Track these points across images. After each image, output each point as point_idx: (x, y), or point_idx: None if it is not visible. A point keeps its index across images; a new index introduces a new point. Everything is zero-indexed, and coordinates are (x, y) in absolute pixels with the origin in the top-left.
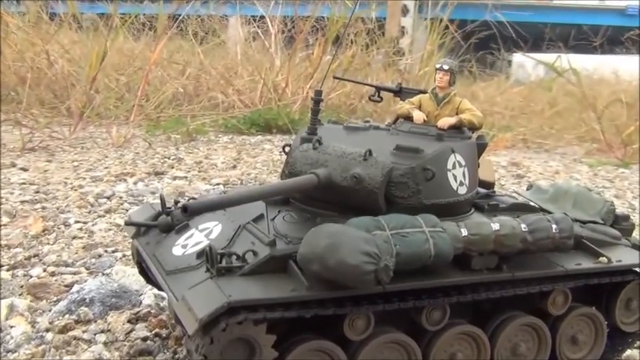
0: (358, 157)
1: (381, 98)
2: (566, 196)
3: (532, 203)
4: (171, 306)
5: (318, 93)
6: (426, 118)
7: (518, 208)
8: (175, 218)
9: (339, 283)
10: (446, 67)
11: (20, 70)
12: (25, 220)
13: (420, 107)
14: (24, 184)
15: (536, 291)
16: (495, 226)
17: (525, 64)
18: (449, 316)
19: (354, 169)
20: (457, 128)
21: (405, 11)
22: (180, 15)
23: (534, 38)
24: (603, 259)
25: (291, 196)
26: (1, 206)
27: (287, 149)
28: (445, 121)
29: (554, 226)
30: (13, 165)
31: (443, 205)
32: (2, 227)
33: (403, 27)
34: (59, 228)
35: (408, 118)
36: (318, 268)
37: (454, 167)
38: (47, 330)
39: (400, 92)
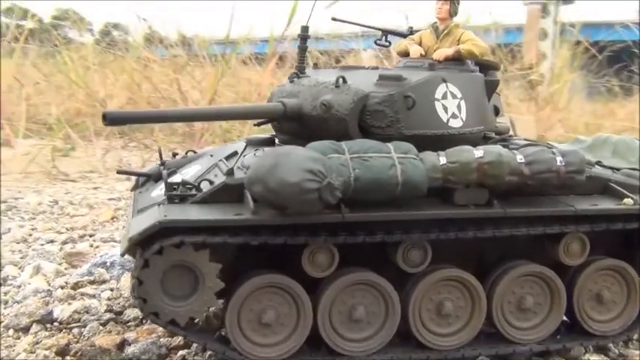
0: (330, 85)
1: (389, 42)
2: (605, 145)
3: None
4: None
5: (305, 29)
6: (423, 53)
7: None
8: (167, 167)
9: (282, 206)
10: None
11: (154, 100)
12: (99, 211)
13: (420, 43)
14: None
15: (538, 233)
16: (478, 153)
17: None
18: (431, 258)
19: (324, 96)
20: (458, 60)
21: (543, 35)
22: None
23: None
24: (628, 201)
25: (277, 137)
26: (86, 201)
27: None
28: (441, 52)
29: (558, 159)
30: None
31: (429, 137)
32: (80, 216)
33: (542, 51)
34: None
35: (407, 54)
36: (260, 190)
37: (444, 97)
38: (61, 287)
39: (411, 35)
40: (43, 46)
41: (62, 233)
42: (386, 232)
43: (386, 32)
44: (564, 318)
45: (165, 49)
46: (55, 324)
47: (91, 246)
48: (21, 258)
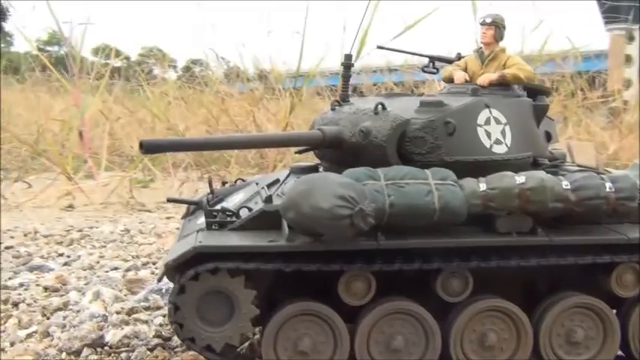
0: (369, 111)
1: (437, 70)
2: None
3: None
4: None
5: (348, 57)
6: (468, 78)
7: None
8: (215, 195)
9: (315, 232)
10: (489, 20)
11: (230, 132)
12: (165, 239)
13: (466, 69)
14: None
15: (587, 263)
16: (520, 179)
17: None
18: (473, 287)
19: (362, 123)
20: (505, 85)
21: (628, 61)
22: None
23: None
24: None
25: (320, 165)
26: (155, 230)
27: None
28: (485, 78)
29: (608, 185)
30: None
31: (471, 164)
32: (147, 244)
33: (626, 78)
34: None
35: (452, 80)
36: (294, 215)
37: (487, 123)
38: (117, 312)
39: (458, 61)
40: (128, 82)
41: (127, 261)
42: (424, 260)
43: (433, 59)
44: (619, 352)
45: (243, 82)
46: (106, 348)
47: (152, 273)
48: (85, 284)
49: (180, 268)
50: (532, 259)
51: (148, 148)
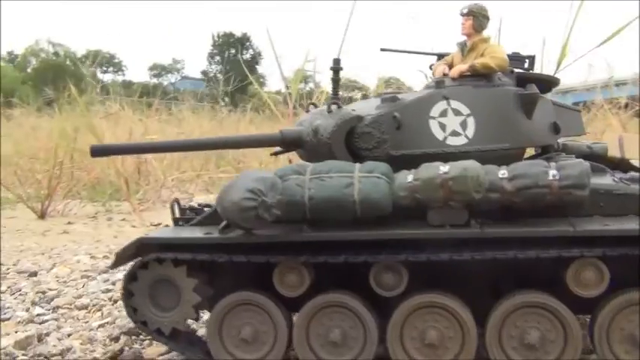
0: (325, 110)
1: None
2: None
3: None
4: None
5: (337, 62)
6: (447, 71)
7: None
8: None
9: (236, 224)
10: (466, 10)
11: None
12: None
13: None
14: None
15: (529, 257)
16: (444, 169)
17: None
18: (407, 280)
19: (315, 122)
20: (478, 75)
21: None
22: None
23: None
24: None
25: None
26: None
27: None
28: (455, 69)
29: (552, 172)
30: None
31: (420, 157)
32: None
33: None
34: None
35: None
36: (220, 209)
37: (443, 115)
38: None
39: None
40: None
41: None
42: (354, 253)
43: (441, 57)
44: None
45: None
46: (141, 336)
47: None
48: None
49: (132, 258)
50: (466, 253)
51: (96, 152)
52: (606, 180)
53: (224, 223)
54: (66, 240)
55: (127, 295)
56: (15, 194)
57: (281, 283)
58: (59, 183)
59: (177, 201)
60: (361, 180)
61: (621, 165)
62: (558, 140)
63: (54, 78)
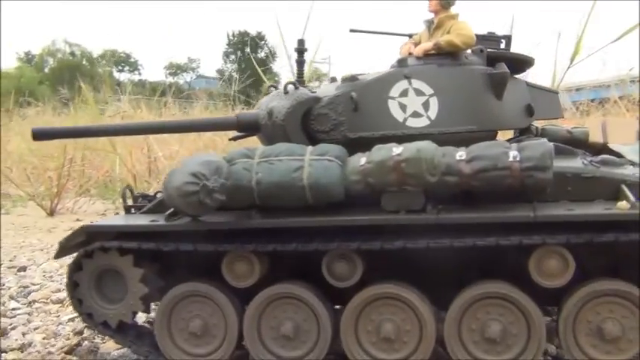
0: (282, 92)
1: None
2: None
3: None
4: None
5: (301, 42)
6: (412, 51)
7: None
8: None
9: (180, 210)
10: None
11: None
12: None
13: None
14: None
15: (489, 245)
16: (396, 150)
17: None
18: (362, 270)
19: (271, 103)
20: (448, 54)
21: None
22: None
23: None
24: (622, 204)
25: None
26: None
27: None
28: (419, 48)
29: (512, 154)
30: None
31: (378, 140)
32: None
33: None
34: None
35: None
36: (165, 196)
37: (404, 95)
38: None
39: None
40: None
41: None
42: (306, 240)
43: (412, 36)
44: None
45: None
46: None
47: None
48: None
49: (78, 247)
50: (421, 241)
51: (38, 135)
52: (575, 163)
53: (171, 209)
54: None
55: (72, 285)
56: (25, 192)
57: (230, 273)
58: (68, 181)
59: (129, 187)
60: (312, 163)
61: (603, 151)
62: (537, 124)
63: (70, 78)
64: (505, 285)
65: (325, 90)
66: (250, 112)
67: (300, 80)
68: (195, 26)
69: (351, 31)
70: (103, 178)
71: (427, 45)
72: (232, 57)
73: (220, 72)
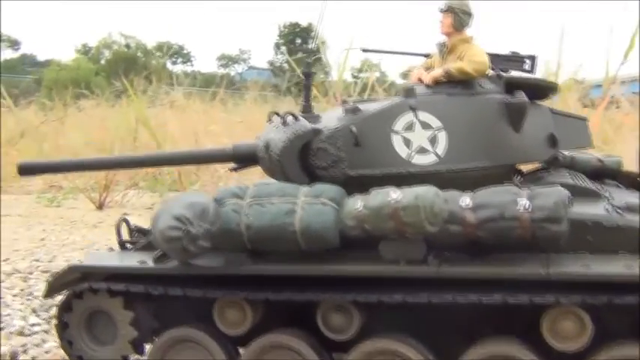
0: (280, 123)
1: None
2: None
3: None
4: None
5: (308, 66)
6: (422, 77)
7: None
8: None
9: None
10: (444, 6)
11: None
12: None
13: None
14: None
15: (495, 303)
16: (395, 196)
17: None
18: (359, 323)
19: (268, 135)
20: (460, 82)
21: None
22: None
23: None
24: None
25: None
26: None
27: None
28: (429, 76)
29: (522, 202)
30: None
31: (379, 178)
32: None
33: None
34: None
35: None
36: (152, 237)
37: (409, 129)
38: None
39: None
40: None
41: None
42: (299, 289)
43: (428, 56)
44: None
45: None
46: None
47: None
48: None
49: (68, 286)
50: (422, 295)
51: (24, 170)
52: (597, 209)
53: (159, 251)
54: (114, 233)
55: (62, 326)
56: (76, 185)
57: (222, 320)
58: (116, 174)
59: (125, 221)
60: (304, 207)
61: (636, 183)
62: (565, 152)
63: (125, 70)
64: (515, 345)
65: (329, 118)
66: (248, 142)
67: (307, 105)
68: (247, 17)
69: (364, 50)
70: (152, 171)
71: (437, 72)
72: (283, 48)
73: (271, 63)
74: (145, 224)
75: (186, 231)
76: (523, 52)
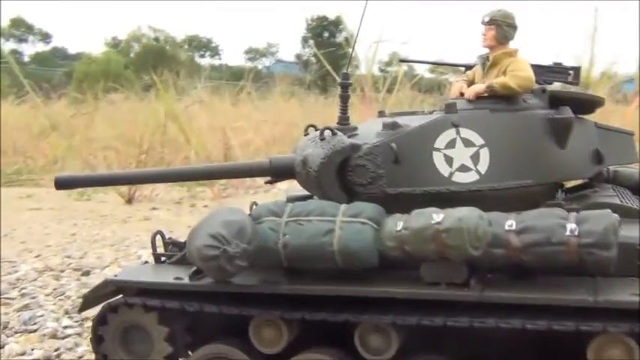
0: (316, 137)
1: None
2: None
3: None
4: None
5: (345, 76)
6: (465, 90)
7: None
8: None
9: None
10: (487, 18)
11: None
12: None
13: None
14: None
15: (540, 329)
16: (437, 218)
17: None
18: (398, 344)
19: (306, 150)
20: (503, 97)
21: None
22: None
23: None
24: None
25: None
26: None
27: None
28: (471, 90)
29: (570, 227)
30: None
31: (420, 196)
32: None
33: None
34: None
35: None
36: (188, 254)
37: (450, 146)
38: None
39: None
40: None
41: None
42: (336, 309)
43: (469, 68)
44: None
45: None
46: None
47: None
48: None
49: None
50: (463, 319)
51: (61, 184)
52: None
53: (195, 267)
54: (144, 228)
55: (97, 340)
56: None
57: (257, 338)
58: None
59: (160, 233)
60: (343, 226)
61: None
62: (609, 167)
63: (154, 63)
64: None
65: (367, 132)
66: (285, 156)
67: (343, 117)
68: (275, 10)
69: (401, 61)
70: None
71: (479, 87)
72: (311, 42)
73: (299, 57)
74: (173, 218)
75: (223, 250)
76: (566, 62)
